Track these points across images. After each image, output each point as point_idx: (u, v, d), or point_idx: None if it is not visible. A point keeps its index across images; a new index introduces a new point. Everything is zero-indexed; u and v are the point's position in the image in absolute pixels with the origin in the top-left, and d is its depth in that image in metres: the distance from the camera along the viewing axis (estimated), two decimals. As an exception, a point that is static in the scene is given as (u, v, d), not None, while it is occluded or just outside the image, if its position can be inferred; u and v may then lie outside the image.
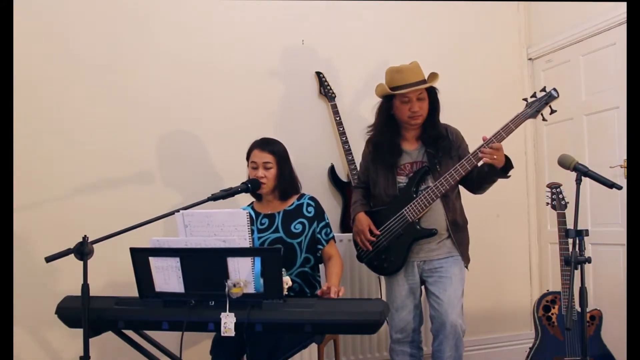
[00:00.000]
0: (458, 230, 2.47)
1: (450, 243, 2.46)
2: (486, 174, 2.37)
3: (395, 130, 2.53)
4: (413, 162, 2.50)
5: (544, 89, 2.37)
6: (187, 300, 1.85)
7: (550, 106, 2.34)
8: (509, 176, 2.37)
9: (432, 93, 2.48)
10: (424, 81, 2.43)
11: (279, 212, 2.43)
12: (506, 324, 3.58)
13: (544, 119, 2.37)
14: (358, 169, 2.86)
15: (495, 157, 2.25)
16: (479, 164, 2.35)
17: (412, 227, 2.42)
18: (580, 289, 1.96)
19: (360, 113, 3.22)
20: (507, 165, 2.33)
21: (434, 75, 2.46)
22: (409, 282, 2.49)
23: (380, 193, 2.52)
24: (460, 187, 2.57)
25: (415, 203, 2.39)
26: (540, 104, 2.34)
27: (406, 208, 2.41)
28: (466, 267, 2.50)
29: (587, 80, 3.30)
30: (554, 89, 2.34)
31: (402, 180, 2.49)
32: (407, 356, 2.51)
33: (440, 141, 2.47)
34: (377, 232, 2.47)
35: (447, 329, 2.35)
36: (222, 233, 1.95)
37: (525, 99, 2.37)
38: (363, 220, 2.52)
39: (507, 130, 2.30)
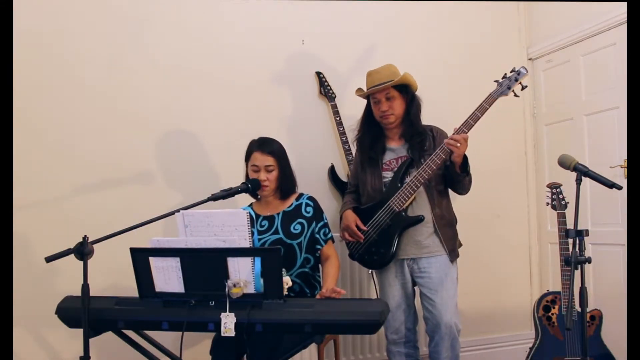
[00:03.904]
0: (445, 225, 2.48)
1: (437, 239, 2.46)
2: (449, 168, 2.43)
3: (377, 130, 2.59)
4: (397, 157, 2.54)
5: (513, 69, 2.44)
6: (187, 301, 1.85)
7: (521, 83, 2.43)
8: (467, 173, 2.42)
9: (407, 92, 2.52)
10: (390, 82, 2.47)
11: (278, 214, 2.44)
12: (506, 324, 3.58)
13: (515, 95, 2.44)
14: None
15: (458, 145, 2.29)
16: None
17: (399, 216, 2.44)
18: (580, 289, 1.96)
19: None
20: (465, 163, 2.40)
21: (401, 75, 2.49)
22: (401, 282, 2.51)
23: (368, 189, 2.54)
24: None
25: (400, 193, 2.42)
26: (510, 81, 2.43)
27: (392, 199, 2.43)
28: (452, 262, 2.47)
29: (587, 80, 3.30)
30: (523, 67, 2.44)
31: (387, 175, 2.52)
32: (404, 356, 2.52)
33: (417, 137, 2.50)
34: (364, 228, 2.48)
35: (442, 329, 2.36)
36: (222, 233, 1.95)
37: (496, 80, 2.44)
38: (349, 216, 2.54)
39: (482, 109, 2.38)
